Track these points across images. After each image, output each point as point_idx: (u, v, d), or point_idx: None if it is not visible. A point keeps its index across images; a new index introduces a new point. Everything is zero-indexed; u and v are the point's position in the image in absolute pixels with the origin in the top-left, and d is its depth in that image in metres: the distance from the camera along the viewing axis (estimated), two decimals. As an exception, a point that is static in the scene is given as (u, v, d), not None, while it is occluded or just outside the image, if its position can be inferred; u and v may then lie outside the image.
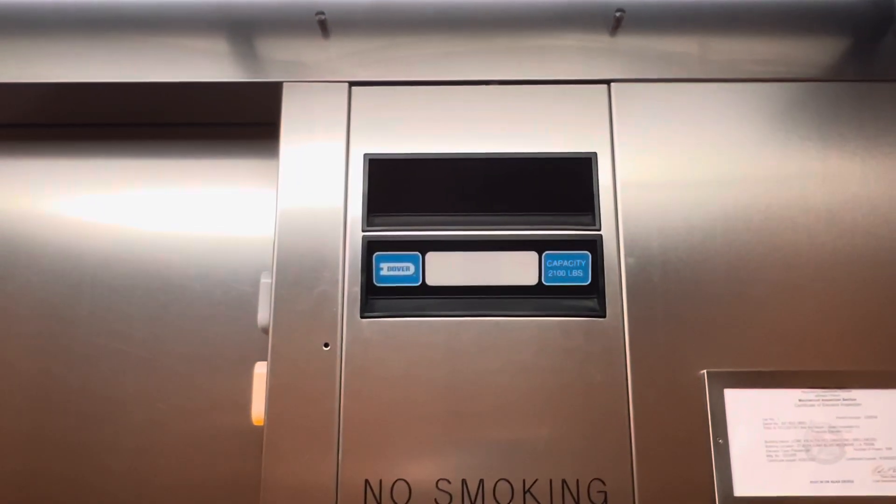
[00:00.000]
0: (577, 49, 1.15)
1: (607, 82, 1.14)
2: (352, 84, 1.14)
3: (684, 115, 1.12)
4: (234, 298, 1.31)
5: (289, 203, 1.09)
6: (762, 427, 1.01)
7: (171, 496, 1.25)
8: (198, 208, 1.35)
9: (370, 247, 1.08)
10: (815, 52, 1.15)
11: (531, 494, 0.99)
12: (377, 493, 1.00)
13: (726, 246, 1.07)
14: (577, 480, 1.00)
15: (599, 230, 1.08)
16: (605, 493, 0.99)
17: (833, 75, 1.14)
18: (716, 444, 1.00)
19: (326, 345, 1.04)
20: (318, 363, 1.04)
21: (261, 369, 1.06)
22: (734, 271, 1.06)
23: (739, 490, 0.98)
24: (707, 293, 1.06)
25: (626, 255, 1.07)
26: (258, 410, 1.05)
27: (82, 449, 1.27)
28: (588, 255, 1.07)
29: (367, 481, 1.00)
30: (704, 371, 1.03)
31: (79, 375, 1.29)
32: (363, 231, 1.08)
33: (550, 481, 1.00)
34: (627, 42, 1.16)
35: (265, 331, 1.07)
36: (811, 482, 0.99)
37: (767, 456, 1.00)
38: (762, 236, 1.08)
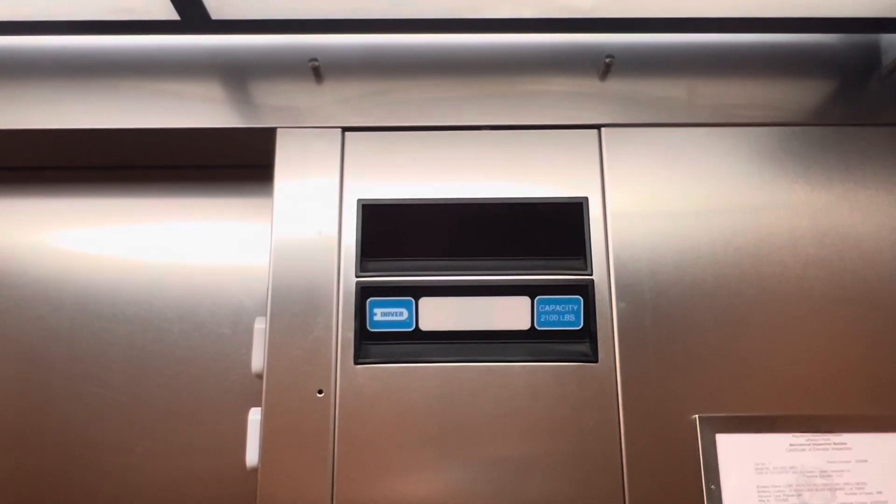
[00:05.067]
0: (568, 94, 1.17)
1: (598, 127, 1.15)
2: (345, 129, 1.15)
3: (674, 159, 1.14)
4: (213, 342, 1.31)
5: (283, 249, 1.10)
6: (754, 472, 1.01)
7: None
8: (176, 251, 1.35)
9: (364, 292, 1.09)
10: (801, 96, 1.17)
11: (525, 542, 1.00)
12: (371, 541, 1.00)
13: (717, 290, 1.08)
14: (571, 527, 1.00)
15: (591, 275, 1.09)
16: (599, 539, 1.00)
17: (820, 119, 1.16)
18: (708, 489, 1.00)
19: (320, 391, 1.05)
20: (312, 410, 1.04)
21: (255, 415, 1.06)
22: (725, 316, 1.07)
23: (732, 536, 0.99)
24: (698, 337, 1.06)
25: (617, 300, 1.08)
26: (252, 457, 1.05)
27: (59, 493, 1.26)
28: (580, 300, 1.08)
29: (361, 529, 1.00)
30: (696, 416, 1.03)
31: (56, 419, 1.28)
32: (357, 276, 1.09)
33: (544, 527, 1.00)
34: (617, 87, 1.17)
35: (259, 377, 1.07)
36: (803, 527, 1.00)
37: (760, 501, 1.00)
38: (752, 280, 1.09)
